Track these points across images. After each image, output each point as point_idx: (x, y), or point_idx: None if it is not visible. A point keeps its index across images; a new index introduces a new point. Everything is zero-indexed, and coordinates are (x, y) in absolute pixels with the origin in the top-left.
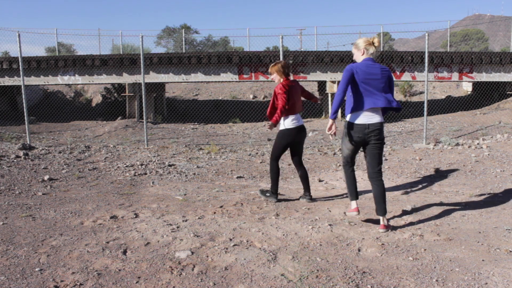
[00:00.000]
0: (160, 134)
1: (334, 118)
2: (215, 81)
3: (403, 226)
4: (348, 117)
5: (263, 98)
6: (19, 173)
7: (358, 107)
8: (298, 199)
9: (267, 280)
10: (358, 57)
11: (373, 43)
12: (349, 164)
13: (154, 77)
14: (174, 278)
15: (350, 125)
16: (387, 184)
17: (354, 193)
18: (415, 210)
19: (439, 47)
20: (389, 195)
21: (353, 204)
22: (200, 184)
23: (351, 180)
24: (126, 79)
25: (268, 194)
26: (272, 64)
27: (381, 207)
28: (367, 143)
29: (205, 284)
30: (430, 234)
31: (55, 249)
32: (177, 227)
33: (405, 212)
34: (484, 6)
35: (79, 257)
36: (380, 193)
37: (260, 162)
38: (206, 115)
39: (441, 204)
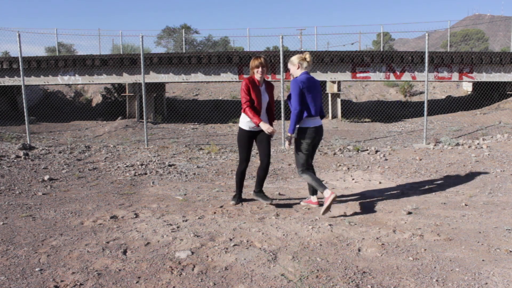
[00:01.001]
0: (160, 134)
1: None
2: (215, 81)
3: (403, 226)
4: (299, 124)
5: None
6: (19, 173)
7: (310, 114)
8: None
9: (267, 280)
10: (295, 71)
11: (305, 59)
12: (308, 167)
13: (154, 77)
14: (174, 278)
15: (304, 130)
16: (387, 184)
17: (322, 184)
18: (415, 210)
19: (439, 47)
20: (389, 195)
21: (328, 192)
22: (200, 184)
23: (316, 177)
24: (126, 79)
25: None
26: (259, 57)
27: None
28: (315, 143)
29: (205, 284)
30: (430, 234)
31: (55, 249)
32: (177, 227)
33: (405, 212)
34: (484, 6)
35: (79, 257)
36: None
37: None
38: (206, 115)
39: (441, 204)
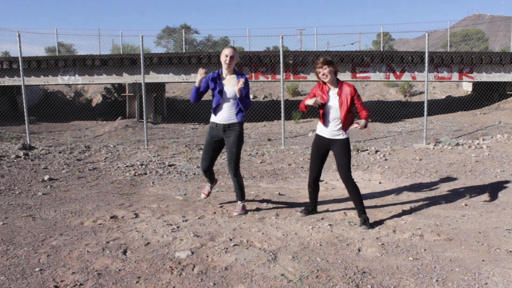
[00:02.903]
0: (160, 134)
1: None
2: None
3: (403, 226)
4: (241, 119)
5: (263, 98)
6: (19, 173)
7: None
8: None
9: (267, 280)
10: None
11: None
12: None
13: (154, 77)
14: (174, 278)
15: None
16: (387, 184)
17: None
18: (415, 210)
19: (439, 47)
20: (389, 195)
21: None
22: (200, 184)
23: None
24: (126, 79)
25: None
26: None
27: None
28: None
29: (205, 284)
30: (430, 234)
31: (55, 249)
32: (177, 227)
33: (405, 212)
34: (484, 6)
35: (79, 257)
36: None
37: (260, 162)
38: (206, 115)
39: (441, 204)
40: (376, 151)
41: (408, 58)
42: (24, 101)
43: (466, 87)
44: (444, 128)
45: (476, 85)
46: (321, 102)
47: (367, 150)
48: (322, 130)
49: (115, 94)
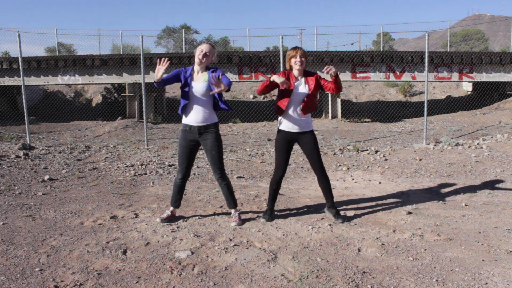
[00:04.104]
0: (160, 134)
1: None
2: None
3: (403, 226)
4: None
5: (263, 98)
6: (19, 173)
7: None
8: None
9: (267, 280)
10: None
11: None
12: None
13: (154, 77)
14: (174, 278)
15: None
16: (387, 184)
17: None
18: (415, 210)
19: (439, 47)
20: (389, 195)
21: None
22: (200, 184)
23: (176, 190)
24: (126, 79)
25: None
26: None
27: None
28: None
29: (205, 284)
30: (430, 234)
31: (55, 249)
32: (177, 227)
33: (405, 212)
34: (484, 6)
35: (79, 257)
36: (175, 190)
37: (260, 162)
38: None
39: (441, 204)
40: (376, 151)
41: (408, 58)
42: (24, 101)
43: (466, 87)
44: (444, 128)
45: (476, 85)
46: (288, 86)
47: (367, 150)
48: (289, 125)
49: (115, 94)
